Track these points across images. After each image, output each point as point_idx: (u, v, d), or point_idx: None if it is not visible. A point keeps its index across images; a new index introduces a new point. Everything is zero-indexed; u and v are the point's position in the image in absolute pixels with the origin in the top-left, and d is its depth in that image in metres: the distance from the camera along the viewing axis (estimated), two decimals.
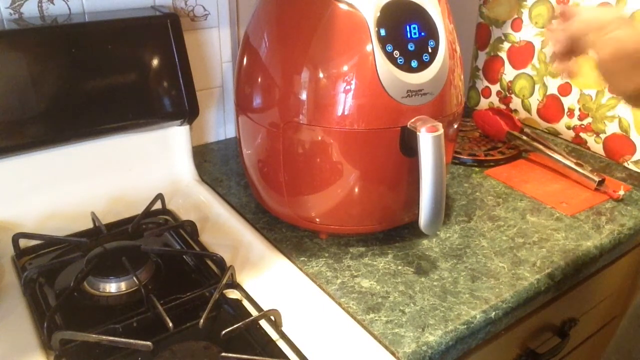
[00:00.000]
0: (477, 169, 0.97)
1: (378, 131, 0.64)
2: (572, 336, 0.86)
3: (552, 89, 1.04)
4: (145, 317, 0.61)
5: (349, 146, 0.66)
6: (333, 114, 0.64)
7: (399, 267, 0.71)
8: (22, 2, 0.76)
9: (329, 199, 0.70)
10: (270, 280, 0.68)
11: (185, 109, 0.85)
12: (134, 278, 0.64)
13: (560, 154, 0.95)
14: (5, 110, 0.71)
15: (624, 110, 0.93)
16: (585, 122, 1.00)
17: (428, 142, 0.62)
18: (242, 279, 0.68)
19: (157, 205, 0.80)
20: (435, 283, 0.68)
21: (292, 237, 0.76)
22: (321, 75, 0.63)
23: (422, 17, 0.64)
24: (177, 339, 0.59)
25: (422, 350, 0.58)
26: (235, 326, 0.57)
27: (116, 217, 0.79)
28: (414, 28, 0.63)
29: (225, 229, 0.78)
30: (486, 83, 1.18)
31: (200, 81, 0.95)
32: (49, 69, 0.73)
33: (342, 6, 0.62)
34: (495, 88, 1.16)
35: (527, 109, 1.10)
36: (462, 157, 0.99)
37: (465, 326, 0.62)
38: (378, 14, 0.62)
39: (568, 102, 1.02)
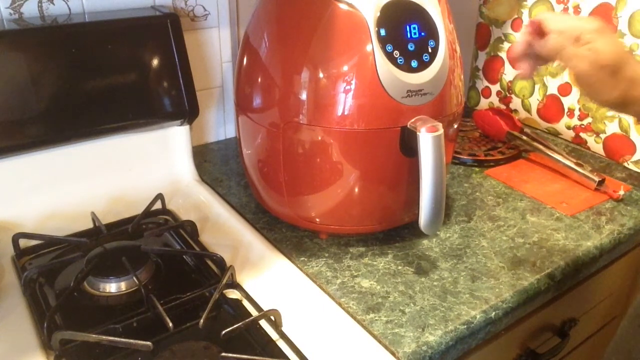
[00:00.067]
0: (477, 169, 0.97)
1: (378, 131, 0.64)
2: (572, 336, 0.86)
3: (552, 89, 1.04)
4: (145, 317, 0.61)
5: (349, 146, 0.66)
6: (333, 114, 0.64)
7: (399, 267, 0.71)
8: (22, 2, 0.76)
9: (329, 199, 0.70)
10: (270, 280, 0.68)
11: (185, 109, 0.85)
12: (134, 278, 0.64)
13: (560, 154, 0.95)
14: (5, 110, 0.71)
15: None
16: (585, 122, 1.00)
17: (428, 142, 0.62)
18: (242, 279, 0.68)
19: (157, 205, 0.80)
20: (435, 283, 0.68)
21: (292, 237, 0.76)
22: (321, 75, 0.63)
23: (422, 17, 0.64)
24: (177, 339, 0.58)
25: (422, 350, 0.58)
26: (235, 326, 0.57)
27: (116, 217, 0.79)
28: (414, 28, 0.63)
29: (225, 229, 0.78)
30: (486, 83, 1.18)
31: (200, 81, 0.95)
32: (49, 69, 0.73)
33: (342, 6, 0.62)
34: (495, 88, 1.16)
35: (527, 109, 1.10)
36: (462, 157, 0.99)
37: (465, 326, 0.62)
38: (378, 14, 0.62)
39: (568, 102, 1.02)
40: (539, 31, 0.59)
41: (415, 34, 0.63)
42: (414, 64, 0.63)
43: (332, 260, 0.72)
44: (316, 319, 0.62)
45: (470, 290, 0.67)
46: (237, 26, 0.98)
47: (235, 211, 0.82)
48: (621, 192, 0.88)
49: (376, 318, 0.62)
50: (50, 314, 0.58)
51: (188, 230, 0.76)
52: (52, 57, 0.73)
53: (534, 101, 1.08)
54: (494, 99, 1.17)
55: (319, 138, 0.65)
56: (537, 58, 0.62)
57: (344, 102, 0.63)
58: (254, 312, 0.62)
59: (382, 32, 0.62)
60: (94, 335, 0.56)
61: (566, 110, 1.02)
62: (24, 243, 0.71)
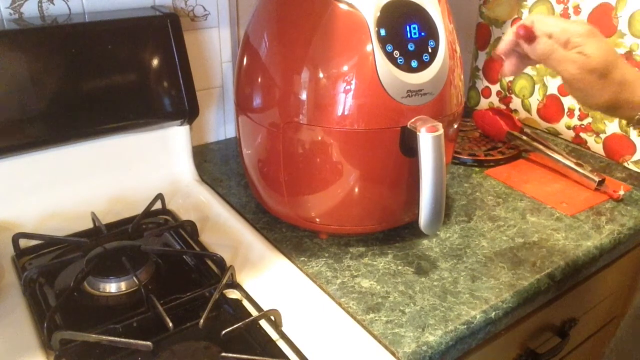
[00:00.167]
0: (477, 169, 0.97)
1: (378, 131, 0.64)
2: (572, 336, 0.86)
3: (552, 89, 1.04)
4: (145, 317, 0.61)
5: (349, 146, 0.66)
6: (333, 114, 0.64)
7: (399, 267, 0.71)
8: (22, 2, 0.76)
9: (329, 199, 0.70)
10: (270, 280, 0.68)
11: (185, 109, 0.85)
12: (134, 278, 0.64)
13: (560, 154, 0.95)
14: (5, 110, 0.71)
15: None
16: (585, 122, 1.00)
17: (428, 142, 0.62)
18: (242, 279, 0.68)
19: (157, 205, 0.80)
20: (435, 283, 0.68)
21: (292, 237, 0.76)
22: (321, 75, 0.63)
23: (422, 17, 0.64)
24: (177, 339, 0.58)
25: (422, 350, 0.58)
26: (235, 326, 0.57)
27: (116, 217, 0.79)
28: (414, 28, 0.63)
29: (225, 229, 0.78)
30: (486, 83, 1.18)
31: (200, 81, 0.95)
32: (49, 69, 0.73)
33: (342, 6, 0.62)
34: (495, 88, 1.16)
35: (527, 109, 1.10)
36: (462, 157, 0.99)
37: (465, 326, 0.62)
38: (378, 14, 0.62)
39: (568, 102, 1.02)
40: (529, 36, 0.59)
41: (415, 34, 0.63)
42: (414, 64, 0.63)
43: (332, 260, 0.72)
44: (316, 319, 0.62)
45: (470, 290, 0.67)
46: (237, 26, 0.98)
47: (235, 211, 0.82)
48: (621, 192, 0.88)
49: (376, 318, 0.62)
50: (50, 314, 0.58)
51: (188, 230, 0.76)
52: (52, 57, 0.73)
53: (534, 101, 1.08)
54: (494, 99, 1.17)
55: (319, 138, 0.65)
56: (524, 57, 0.62)
57: (344, 102, 0.63)
58: (254, 312, 0.62)
59: (382, 32, 0.62)
60: (94, 335, 0.56)
61: (566, 110, 1.02)
62: (24, 243, 0.71)
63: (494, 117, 1.05)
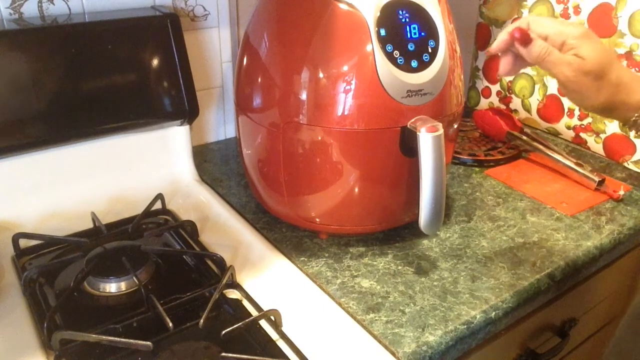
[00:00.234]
0: (477, 169, 0.97)
1: (378, 131, 0.64)
2: (572, 336, 0.86)
3: (552, 89, 1.04)
4: (145, 317, 0.61)
5: (349, 146, 0.66)
6: (333, 114, 0.64)
7: (399, 267, 0.71)
8: (22, 2, 0.76)
9: (329, 199, 0.70)
10: (270, 280, 0.68)
11: (185, 109, 0.85)
12: (134, 278, 0.64)
13: (560, 154, 0.95)
14: (5, 110, 0.71)
15: None
16: (585, 122, 1.00)
17: (428, 142, 0.62)
18: (242, 279, 0.68)
19: (157, 205, 0.80)
20: (435, 283, 0.68)
21: (292, 237, 0.76)
22: (321, 75, 0.63)
23: (422, 17, 0.64)
24: (177, 339, 0.58)
25: (422, 350, 0.58)
26: (235, 326, 0.57)
27: (116, 217, 0.79)
28: (414, 28, 0.63)
29: (225, 229, 0.78)
30: (486, 83, 1.18)
31: (200, 81, 0.95)
32: (49, 69, 0.73)
33: (342, 6, 0.62)
34: (495, 88, 1.16)
35: (527, 109, 1.10)
36: (462, 157, 0.99)
37: (465, 326, 0.62)
38: (378, 14, 0.62)
39: (568, 102, 1.02)
40: (524, 39, 0.59)
41: (415, 34, 0.63)
42: (414, 64, 0.63)
43: (332, 260, 0.72)
44: (316, 319, 0.62)
45: (470, 290, 0.67)
46: (237, 26, 0.98)
47: (235, 211, 0.82)
48: (621, 192, 0.88)
49: (376, 318, 0.62)
50: (50, 314, 0.58)
51: (188, 230, 0.76)
52: (52, 57, 0.73)
53: (534, 101, 1.08)
54: (494, 99, 1.17)
55: (319, 138, 0.65)
56: (520, 57, 0.62)
57: (344, 102, 0.63)
58: (254, 312, 0.62)
59: (382, 32, 0.62)
60: (94, 335, 0.56)
61: (566, 110, 1.02)
62: (24, 243, 0.71)
63: (494, 117, 1.05)
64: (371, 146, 0.66)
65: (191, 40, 0.92)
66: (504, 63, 0.63)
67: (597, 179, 0.89)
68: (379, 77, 0.62)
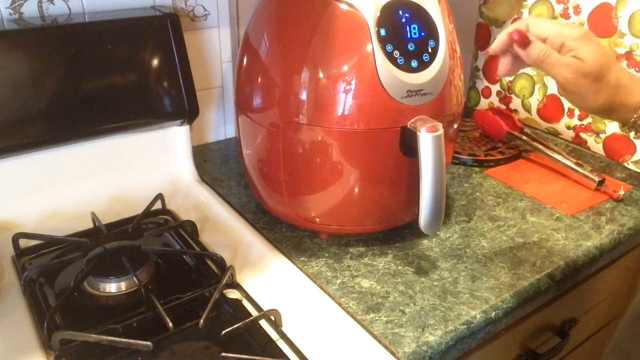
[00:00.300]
0: (477, 169, 0.97)
1: (378, 131, 0.64)
2: (572, 336, 0.86)
3: (552, 89, 1.04)
4: (145, 317, 0.61)
5: (349, 146, 0.66)
6: (333, 114, 0.64)
7: (399, 267, 0.71)
8: (22, 2, 0.76)
9: (329, 199, 0.70)
10: (270, 280, 0.68)
11: (185, 109, 0.85)
12: (134, 278, 0.64)
13: (560, 154, 0.95)
14: (5, 110, 0.71)
15: None
16: (585, 122, 1.00)
17: (428, 142, 0.62)
18: (242, 279, 0.68)
19: (157, 205, 0.80)
20: (435, 283, 0.68)
21: (292, 237, 0.76)
22: (321, 75, 0.63)
23: (422, 17, 0.64)
24: (177, 339, 0.58)
25: (422, 350, 0.58)
26: (235, 326, 0.57)
27: (116, 217, 0.79)
28: (414, 28, 0.63)
29: (225, 229, 0.78)
30: (486, 83, 1.18)
31: (200, 81, 0.95)
32: (49, 69, 0.73)
33: (342, 6, 0.62)
34: (495, 88, 1.16)
35: (527, 109, 1.10)
36: (462, 157, 0.99)
37: (465, 326, 0.62)
38: (378, 14, 0.62)
39: (568, 102, 1.02)
40: (523, 41, 0.59)
41: (415, 34, 0.63)
42: (414, 64, 0.63)
43: (332, 260, 0.72)
44: (316, 319, 0.62)
45: (470, 290, 0.67)
46: (237, 26, 0.98)
47: (235, 211, 0.82)
48: (621, 192, 0.88)
49: (376, 318, 0.62)
50: (50, 314, 0.58)
51: (188, 230, 0.76)
52: (52, 57, 0.73)
53: (534, 101, 1.08)
54: (494, 99, 1.17)
55: (319, 138, 0.65)
56: (518, 58, 0.62)
57: (344, 102, 0.63)
58: (254, 312, 0.62)
59: (382, 32, 0.62)
60: (94, 335, 0.56)
61: (566, 110, 1.02)
62: (24, 243, 0.71)
63: (494, 117, 1.05)
64: (371, 146, 0.66)
65: (191, 40, 0.92)
66: (503, 63, 0.63)
67: (597, 179, 0.89)
68: (379, 77, 0.62)
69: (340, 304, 0.64)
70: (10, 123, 0.71)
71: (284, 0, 0.67)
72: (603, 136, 0.97)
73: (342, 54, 0.63)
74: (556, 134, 1.06)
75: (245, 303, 0.64)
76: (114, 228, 0.76)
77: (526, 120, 1.10)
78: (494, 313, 0.64)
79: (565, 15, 0.98)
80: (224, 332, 0.56)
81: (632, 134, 0.62)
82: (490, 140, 1.07)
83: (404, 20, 0.63)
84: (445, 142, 0.63)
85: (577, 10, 0.96)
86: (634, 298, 0.99)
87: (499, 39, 0.61)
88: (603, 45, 0.59)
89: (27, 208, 0.77)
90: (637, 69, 0.90)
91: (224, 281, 0.64)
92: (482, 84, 1.19)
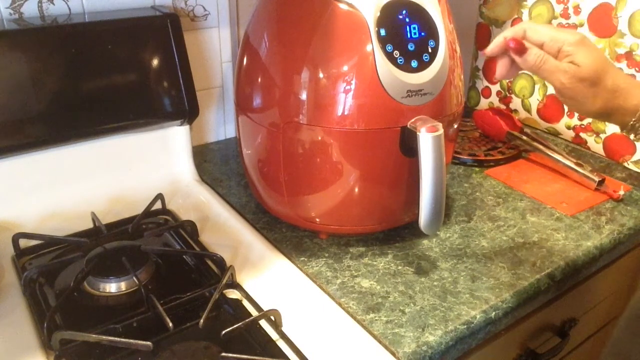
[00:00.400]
0: (477, 169, 0.97)
1: (378, 131, 0.64)
2: (572, 336, 0.86)
3: (552, 89, 1.04)
4: (145, 317, 0.61)
5: (349, 146, 0.66)
6: (333, 114, 0.64)
7: (399, 267, 0.71)
8: (22, 2, 0.76)
9: (329, 199, 0.70)
10: (270, 280, 0.68)
11: (185, 109, 0.85)
12: (134, 278, 0.64)
13: (560, 154, 0.95)
14: (5, 110, 0.71)
15: None
16: (585, 122, 1.00)
17: (428, 142, 0.62)
18: (242, 279, 0.68)
19: (157, 205, 0.80)
20: (435, 283, 0.68)
21: (292, 237, 0.76)
22: (321, 75, 0.63)
23: (422, 17, 0.64)
24: (177, 339, 0.58)
25: (422, 350, 0.58)
26: (235, 326, 0.57)
27: (116, 217, 0.79)
28: (414, 28, 0.63)
29: (225, 229, 0.78)
30: (486, 83, 1.18)
31: (200, 81, 0.95)
32: (49, 69, 0.73)
33: (342, 6, 0.62)
34: (495, 88, 1.16)
35: (527, 109, 1.10)
36: (462, 157, 0.99)
37: (465, 326, 0.62)
38: (378, 14, 0.62)
39: None
40: (519, 48, 0.59)
41: (415, 34, 0.63)
42: (414, 64, 0.63)
43: (332, 260, 0.72)
44: (316, 319, 0.62)
45: (470, 290, 0.67)
46: (237, 26, 0.98)
47: (235, 211, 0.82)
48: (621, 192, 0.88)
49: (376, 318, 0.62)
50: (50, 314, 0.58)
51: (188, 230, 0.76)
52: (52, 57, 0.73)
53: (534, 101, 1.08)
54: (494, 99, 1.17)
55: (319, 138, 0.65)
56: (516, 62, 0.62)
57: (344, 102, 0.63)
58: (254, 312, 0.62)
59: (382, 32, 0.62)
60: (94, 335, 0.56)
61: (566, 110, 1.02)
62: (24, 243, 0.71)
63: (494, 117, 1.05)
64: (371, 146, 0.66)
65: (191, 40, 0.92)
66: (501, 66, 0.63)
67: (597, 179, 0.89)
68: (379, 77, 0.62)
69: (340, 304, 0.64)
70: (10, 123, 0.71)
71: (284, 0, 0.67)
72: (603, 136, 0.97)
73: (342, 54, 0.63)
74: (556, 134, 1.06)
75: (245, 303, 0.64)
76: (114, 228, 0.76)
77: (526, 120, 1.10)
78: (494, 313, 0.64)
79: (565, 15, 0.98)
80: (224, 332, 0.56)
81: (631, 136, 0.62)
82: (490, 140, 1.07)
83: (404, 20, 0.63)
84: (445, 142, 0.63)
85: (577, 10, 0.96)
86: (632, 298, 0.99)
87: (496, 42, 0.61)
88: (600, 50, 0.60)
89: (27, 208, 0.77)
90: (637, 69, 0.90)
91: (224, 281, 0.64)
92: (482, 84, 1.19)
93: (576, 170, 0.92)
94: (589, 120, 0.99)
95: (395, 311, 0.63)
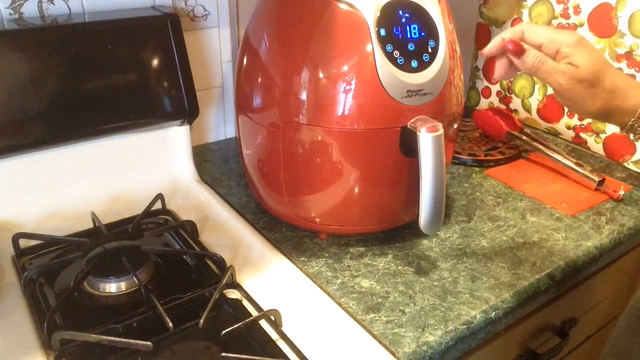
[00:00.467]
0: (477, 169, 0.97)
1: (378, 131, 0.64)
2: (572, 336, 0.86)
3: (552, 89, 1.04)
4: (145, 317, 0.61)
5: (349, 146, 0.66)
6: (333, 114, 0.64)
7: (399, 267, 0.71)
8: (22, 2, 0.76)
9: (329, 199, 0.70)
10: (270, 280, 0.68)
11: (185, 109, 0.85)
12: (134, 278, 0.64)
13: (560, 154, 0.95)
14: (5, 110, 0.71)
15: None
16: (585, 122, 1.00)
17: (428, 142, 0.62)
18: (242, 279, 0.68)
19: (157, 205, 0.80)
20: (435, 283, 0.68)
21: (292, 237, 0.76)
22: (321, 75, 0.63)
23: (422, 17, 0.64)
24: (177, 339, 0.58)
25: (422, 350, 0.58)
26: (235, 326, 0.57)
27: (116, 217, 0.79)
28: (414, 28, 0.63)
29: (225, 229, 0.78)
30: (486, 83, 1.18)
31: (200, 81, 0.95)
32: (49, 69, 0.73)
33: (342, 6, 0.62)
34: (495, 88, 1.16)
35: (527, 109, 1.10)
36: (462, 157, 0.99)
37: (465, 326, 0.62)
38: (378, 14, 0.62)
39: None
40: (517, 50, 0.59)
41: (415, 34, 0.63)
42: (414, 64, 0.63)
43: (332, 260, 0.72)
44: (316, 319, 0.62)
45: (470, 290, 0.67)
46: (237, 26, 0.98)
47: (235, 211, 0.82)
48: (621, 192, 0.88)
49: (376, 318, 0.62)
50: (50, 314, 0.58)
51: (188, 230, 0.76)
52: (52, 57, 0.73)
53: (534, 101, 1.08)
54: (494, 99, 1.17)
55: (319, 138, 0.65)
56: (513, 62, 0.62)
57: (344, 102, 0.63)
58: (254, 312, 0.62)
59: (382, 32, 0.62)
60: (94, 335, 0.56)
61: (566, 110, 1.02)
62: (24, 243, 0.71)
63: (494, 117, 1.05)
64: (371, 146, 0.66)
65: (191, 40, 0.92)
66: (499, 66, 0.63)
67: (597, 179, 0.89)
68: (379, 77, 0.62)
69: (340, 304, 0.64)
70: (10, 123, 0.71)
71: (283, 0, 0.67)
72: (603, 136, 0.97)
73: (342, 54, 0.63)
74: (556, 134, 1.06)
75: (245, 303, 0.64)
76: (114, 228, 0.76)
77: (526, 120, 1.10)
78: (494, 313, 0.64)
79: (565, 15, 0.98)
80: (224, 332, 0.56)
81: (631, 136, 0.62)
82: (490, 140, 1.07)
83: (404, 20, 0.63)
84: (445, 142, 0.63)
85: (577, 10, 0.96)
86: (632, 298, 0.99)
87: (494, 42, 0.62)
88: (598, 50, 0.60)
89: (27, 208, 0.77)
90: (637, 69, 0.90)
91: (224, 281, 0.64)
92: (482, 84, 1.19)
93: (576, 170, 0.92)
94: (589, 120, 0.99)
95: (395, 311, 0.63)
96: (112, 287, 0.65)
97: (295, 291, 0.67)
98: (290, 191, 0.71)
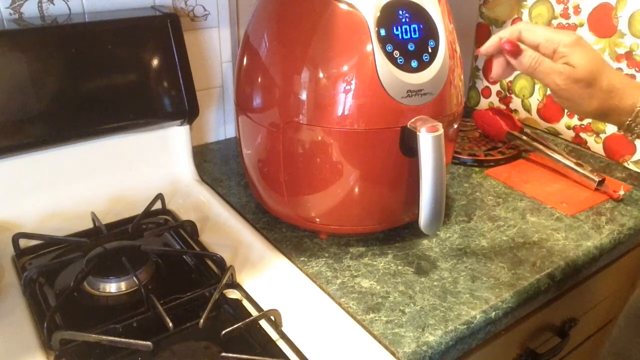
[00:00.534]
0: (477, 169, 0.97)
1: (378, 131, 0.64)
2: (572, 336, 0.86)
3: None
4: (145, 317, 0.61)
5: (349, 146, 0.66)
6: (333, 114, 0.64)
7: (399, 267, 0.71)
8: (22, 2, 0.76)
9: (329, 199, 0.70)
10: (270, 280, 0.68)
11: (185, 109, 0.85)
12: (134, 278, 0.64)
13: (560, 154, 0.95)
14: (5, 110, 0.71)
15: None
16: (585, 122, 1.00)
17: (428, 142, 0.62)
18: (242, 279, 0.68)
19: (157, 205, 0.80)
20: (435, 283, 0.68)
21: (292, 237, 0.76)
22: (321, 75, 0.63)
23: (422, 17, 0.64)
24: (177, 339, 0.58)
25: (422, 350, 0.58)
26: (235, 326, 0.57)
27: (116, 217, 0.79)
28: (414, 28, 0.63)
29: (225, 229, 0.78)
30: (486, 83, 1.18)
31: (200, 81, 0.95)
32: (49, 69, 0.73)
33: (342, 6, 0.62)
34: (495, 88, 1.16)
35: (527, 109, 1.10)
36: (462, 157, 0.99)
37: (465, 326, 0.62)
38: (378, 14, 0.62)
39: None
40: (514, 51, 0.59)
41: (415, 34, 0.63)
42: (414, 64, 0.63)
43: (332, 260, 0.72)
44: (316, 319, 0.62)
45: (470, 290, 0.67)
46: (237, 26, 0.98)
47: (235, 211, 0.82)
48: (621, 192, 0.88)
49: (376, 318, 0.62)
50: (50, 314, 0.58)
51: (188, 230, 0.76)
52: (52, 57, 0.73)
53: (534, 101, 1.08)
54: (494, 99, 1.17)
55: (319, 138, 0.65)
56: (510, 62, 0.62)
57: (344, 102, 0.63)
58: (254, 312, 0.62)
59: (382, 32, 0.62)
60: (94, 335, 0.56)
61: (566, 110, 1.02)
62: (24, 243, 0.71)
63: (494, 117, 1.05)
64: (371, 146, 0.66)
65: (191, 40, 0.92)
66: (497, 65, 0.63)
67: (597, 179, 0.89)
68: (379, 77, 0.62)
69: (340, 304, 0.64)
70: (10, 123, 0.71)
71: (283, 0, 0.67)
72: (603, 136, 0.97)
73: (342, 54, 0.63)
74: (556, 134, 1.06)
75: (245, 303, 0.64)
76: (114, 228, 0.76)
77: (526, 120, 1.11)
78: (494, 313, 0.64)
79: (565, 15, 0.98)
80: (224, 332, 0.56)
81: (629, 136, 0.63)
82: (490, 140, 1.07)
83: (404, 20, 0.63)
84: (445, 142, 0.63)
85: (577, 10, 0.96)
86: (631, 297, 0.99)
87: (491, 41, 0.62)
88: (595, 50, 0.60)
89: (27, 208, 0.77)
90: (637, 69, 0.90)
91: (224, 281, 0.64)
92: (482, 84, 1.19)
93: (576, 170, 0.92)
94: (589, 120, 0.99)
95: (395, 311, 0.63)
96: (112, 287, 0.65)
97: (295, 291, 0.67)
98: (290, 191, 0.71)
